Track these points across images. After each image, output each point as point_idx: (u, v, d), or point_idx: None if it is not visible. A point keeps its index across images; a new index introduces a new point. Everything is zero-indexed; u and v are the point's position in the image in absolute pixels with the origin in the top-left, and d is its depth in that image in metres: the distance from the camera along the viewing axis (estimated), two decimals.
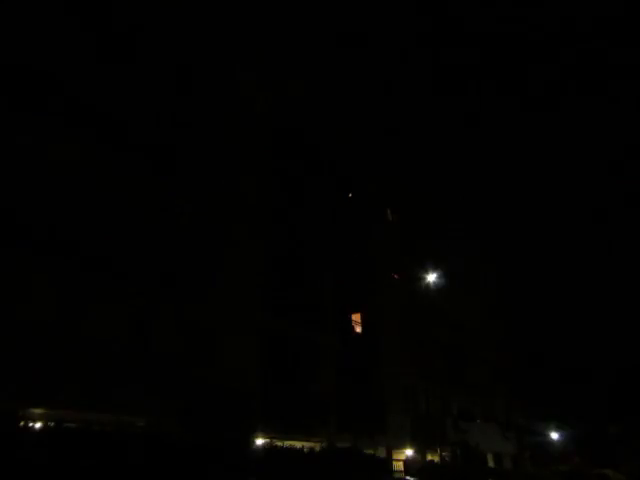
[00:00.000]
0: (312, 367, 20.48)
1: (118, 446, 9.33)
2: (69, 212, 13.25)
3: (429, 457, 26.34)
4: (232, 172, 18.87)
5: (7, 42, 12.72)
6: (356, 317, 25.45)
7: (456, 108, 65.86)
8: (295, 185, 23.02)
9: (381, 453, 22.11)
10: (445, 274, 29.49)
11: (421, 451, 25.74)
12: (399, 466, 21.68)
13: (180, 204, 16.38)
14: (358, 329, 25.27)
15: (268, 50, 22.86)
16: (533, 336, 49.85)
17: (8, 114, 12.50)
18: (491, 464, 32.21)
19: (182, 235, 16.18)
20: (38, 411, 11.09)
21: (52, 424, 9.15)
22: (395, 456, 23.22)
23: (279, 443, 14.37)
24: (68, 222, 13.15)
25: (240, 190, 19.03)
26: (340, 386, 21.45)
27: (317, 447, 15.84)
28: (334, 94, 27.56)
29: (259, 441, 15.43)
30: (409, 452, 24.74)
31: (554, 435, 43.34)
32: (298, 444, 15.73)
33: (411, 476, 20.36)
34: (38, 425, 9.13)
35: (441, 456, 27.44)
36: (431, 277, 28.37)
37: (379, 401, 23.95)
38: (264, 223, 19.94)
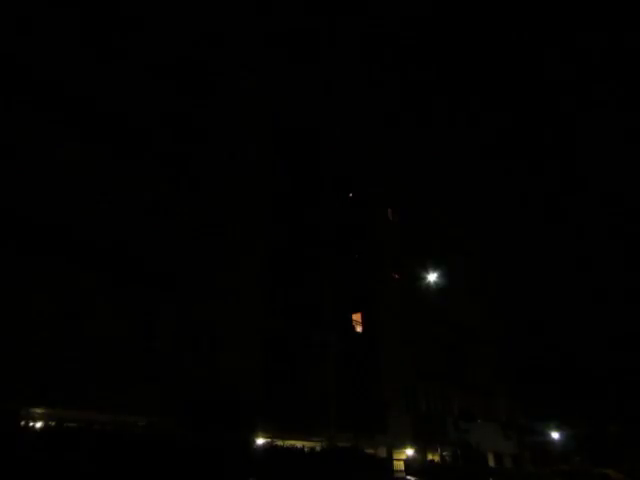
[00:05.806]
0: (312, 367, 20.47)
1: (118, 446, 9.33)
2: (72, 212, 13.26)
3: (430, 457, 26.33)
4: (233, 172, 18.89)
5: (7, 42, 12.74)
6: (356, 317, 25.46)
7: (457, 108, 65.92)
8: (296, 185, 23.03)
9: (382, 453, 22.12)
10: (445, 274, 29.48)
11: (422, 451, 25.72)
12: (400, 466, 21.65)
13: (181, 203, 16.39)
14: (358, 329, 25.27)
15: (269, 50, 22.87)
16: (533, 336, 49.86)
17: (8, 113, 12.52)
18: (492, 464, 32.17)
19: (183, 236, 16.19)
20: (39, 411, 11.10)
21: (53, 424, 9.17)
22: (396, 456, 23.18)
23: (279, 443, 14.38)
24: (70, 221, 13.16)
25: (241, 190, 19.05)
26: (340, 386, 21.44)
27: (317, 447, 15.82)
28: (335, 94, 27.58)
29: (259, 441, 15.43)
30: (410, 452, 24.72)
31: (554, 435, 43.29)
32: (298, 444, 15.73)
33: (412, 476, 20.34)
34: (39, 425, 9.15)
35: (442, 456, 27.42)
36: (431, 277, 28.36)
37: (379, 401, 23.93)
38: (265, 223, 19.96)
